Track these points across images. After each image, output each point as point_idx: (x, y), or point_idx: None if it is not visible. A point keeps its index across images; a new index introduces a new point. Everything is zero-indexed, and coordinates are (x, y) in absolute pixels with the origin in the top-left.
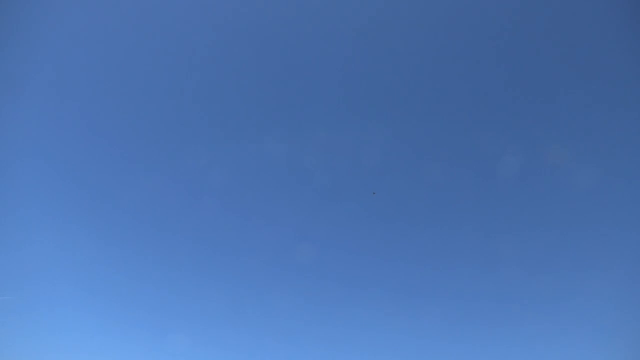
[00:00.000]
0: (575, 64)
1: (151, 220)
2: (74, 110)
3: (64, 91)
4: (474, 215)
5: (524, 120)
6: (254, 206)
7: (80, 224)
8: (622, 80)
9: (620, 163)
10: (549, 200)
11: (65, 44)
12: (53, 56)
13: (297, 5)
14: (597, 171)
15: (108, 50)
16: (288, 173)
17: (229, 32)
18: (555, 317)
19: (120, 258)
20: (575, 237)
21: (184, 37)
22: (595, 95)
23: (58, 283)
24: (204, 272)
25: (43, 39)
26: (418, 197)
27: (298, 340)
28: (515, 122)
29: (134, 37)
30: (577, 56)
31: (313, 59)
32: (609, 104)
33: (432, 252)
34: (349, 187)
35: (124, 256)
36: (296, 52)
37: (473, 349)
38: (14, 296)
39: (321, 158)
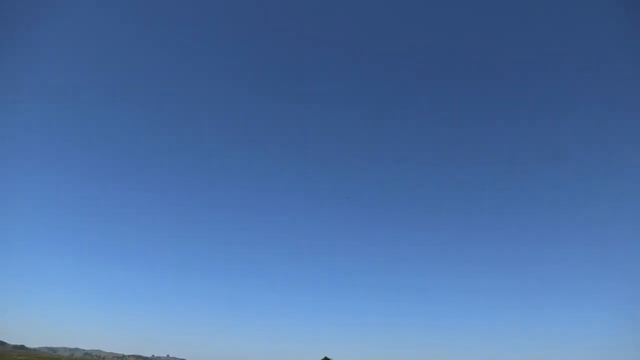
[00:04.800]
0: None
1: None
2: (75, 110)
3: (64, 91)
4: None
5: None
6: None
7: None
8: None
9: None
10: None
11: (66, 44)
12: (53, 56)
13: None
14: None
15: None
16: None
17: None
18: None
19: None
20: None
21: (187, 38)
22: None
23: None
24: None
25: (43, 38)
26: None
27: None
28: None
29: (137, 36)
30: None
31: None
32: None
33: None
34: None
35: None
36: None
37: None
38: None
39: None
